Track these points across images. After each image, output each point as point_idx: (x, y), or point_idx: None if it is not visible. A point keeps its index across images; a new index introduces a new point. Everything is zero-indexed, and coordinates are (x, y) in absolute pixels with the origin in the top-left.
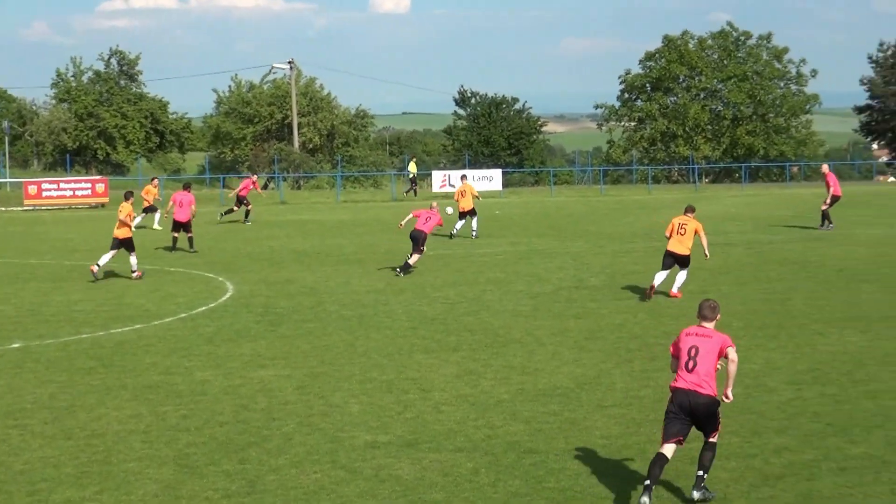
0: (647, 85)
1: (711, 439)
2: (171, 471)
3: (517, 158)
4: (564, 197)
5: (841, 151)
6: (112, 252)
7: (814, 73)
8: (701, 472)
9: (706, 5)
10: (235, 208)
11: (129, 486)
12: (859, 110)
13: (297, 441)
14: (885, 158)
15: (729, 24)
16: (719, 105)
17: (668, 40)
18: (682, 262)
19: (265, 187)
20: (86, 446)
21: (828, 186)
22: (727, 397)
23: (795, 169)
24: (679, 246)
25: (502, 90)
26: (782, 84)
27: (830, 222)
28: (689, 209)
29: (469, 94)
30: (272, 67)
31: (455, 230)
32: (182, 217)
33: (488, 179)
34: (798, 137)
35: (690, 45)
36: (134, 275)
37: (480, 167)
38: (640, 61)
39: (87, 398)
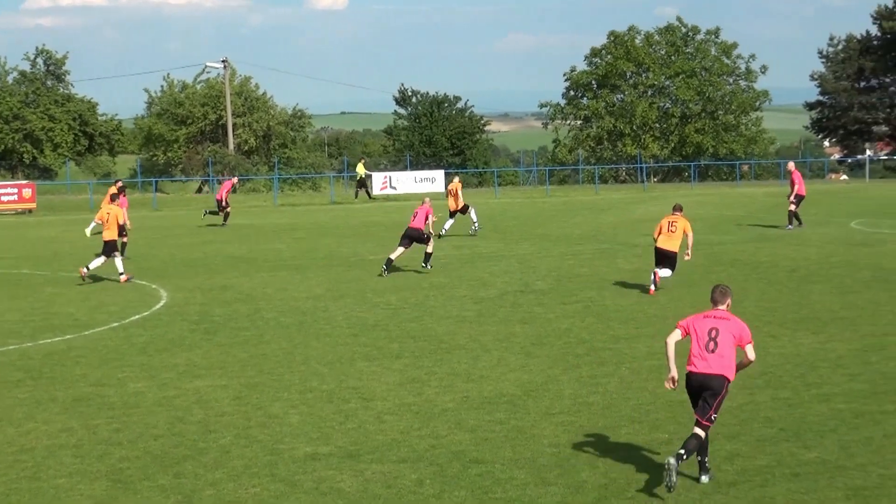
0: (593, 82)
1: (698, 430)
2: (104, 486)
3: (460, 159)
4: (509, 198)
5: (792, 149)
6: (119, 256)
7: (764, 68)
8: (702, 458)
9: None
10: (220, 212)
11: (60, 503)
12: (810, 107)
13: (235, 454)
14: (836, 156)
15: (677, 18)
16: (667, 102)
17: (614, 36)
18: (670, 259)
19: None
20: (14, 462)
21: (792, 184)
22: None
23: (746, 167)
24: (668, 243)
25: (444, 88)
26: (731, 80)
27: (801, 223)
28: (677, 207)
29: (410, 93)
30: (205, 66)
31: (444, 230)
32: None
33: (430, 181)
34: (748, 135)
35: (637, 41)
36: (83, 270)
37: (422, 168)
38: (586, 58)
39: (14, 412)
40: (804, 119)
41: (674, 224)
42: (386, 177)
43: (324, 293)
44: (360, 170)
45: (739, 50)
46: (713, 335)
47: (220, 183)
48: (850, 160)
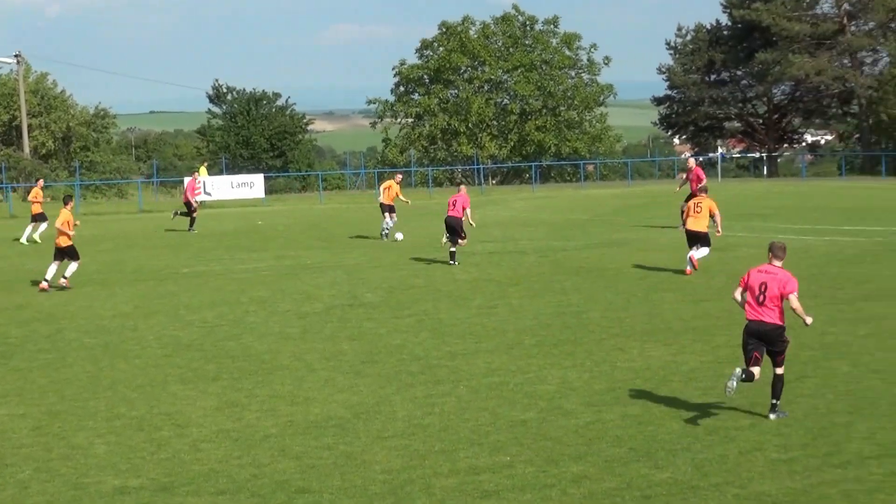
0: (425, 77)
1: (778, 370)
2: None
3: (281, 161)
4: (336, 204)
5: (640, 147)
6: (56, 263)
7: (607, 60)
8: (774, 401)
9: None
10: (190, 213)
11: None
12: (658, 102)
13: (35, 489)
14: (687, 154)
15: (514, 7)
16: (505, 98)
17: (446, 27)
18: (701, 239)
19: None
20: None
21: (695, 182)
22: (807, 324)
23: (591, 167)
24: (696, 224)
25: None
26: (574, 74)
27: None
28: (703, 189)
29: (225, 90)
30: None
31: (385, 231)
32: None
33: (249, 186)
34: (592, 133)
35: (472, 33)
36: (62, 281)
37: (240, 172)
38: (417, 51)
39: None
40: (652, 115)
41: (699, 205)
42: (199, 181)
43: (132, 311)
44: (203, 173)
45: (581, 41)
46: (762, 289)
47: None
48: (700, 158)
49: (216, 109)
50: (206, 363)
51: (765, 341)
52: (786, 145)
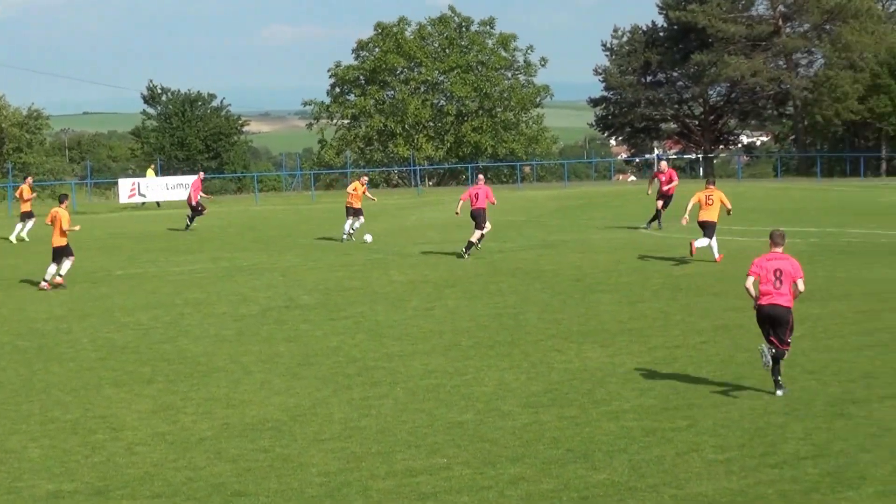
0: (361, 78)
1: (783, 348)
2: None
3: (216, 163)
4: (271, 205)
5: (576, 148)
6: (54, 265)
7: (543, 61)
8: (777, 377)
9: None
10: (199, 213)
11: None
12: (595, 103)
13: None
14: (623, 156)
15: (450, 8)
16: (442, 99)
17: (381, 28)
18: (709, 228)
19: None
20: None
21: (664, 183)
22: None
23: (527, 169)
24: (708, 215)
25: (198, 85)
26: (510, 75)
27: (657, 223)
28: (710, 182)
29: (160, 91)
30: None
31: (348, 232)
32: None
33: (184, 187)
34: (529, 134)
35: (408, 33)
36: (43, 284)
37: (175, 173)
38: (353, 51)
39: None
40: (588, 116)
41: (710, 197)
42: (134, 183)
43: (66, 313)
44: (150, 174)
45: (518, 42)
46: (778, 274)
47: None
48: (637, 159)
49: (151, 111)
50: (141, 366)
51: (776, 324)
52: (722, 146)
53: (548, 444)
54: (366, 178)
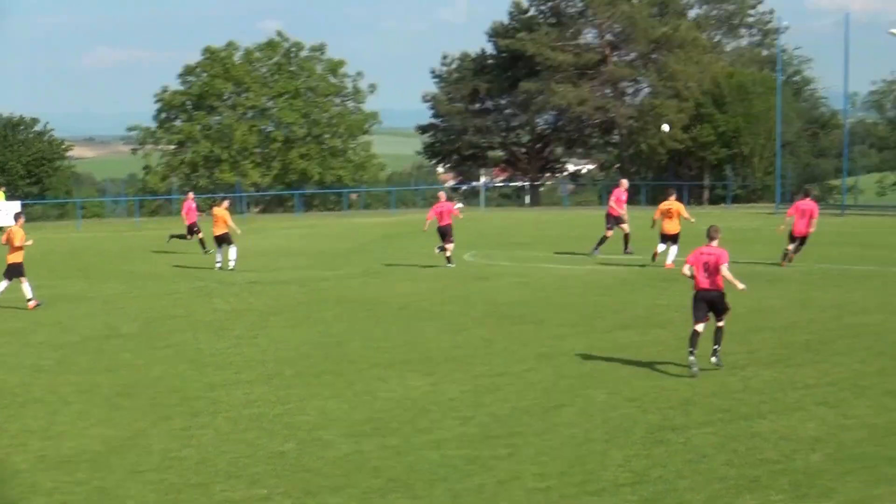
0: (188, 103)
1: (720, 323)
2: None
3: (38, 188)
4: (94, 232)
5: (404, 175)
6: (6, 282)
7: (372, 87)
8: (716, 346)
9: (254, 13)
10: (188, 237)
11: None
12: (423, 130)
13: None
14: (451, 183)
15: (279, 33)
16: (269, 125)
17: (210, 52)
18: (674, 239)
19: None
20: None
21: (620, 203)
22: (740, 290)
23: (354, 196)
24: (670, 226)
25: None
26: (339, 101)
27: (599, 244)
28: (671, 193)
29: None
30: None
31: (218, 263)
32: None
33: (3, 213)
34: (357, 161)
35: (236, 58)
36: (31, 304)
37: None
38: (180, 76)
39: None
40: (416, 143)
41: (671, 210)
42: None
43: None
44: (0, 197)
45: (347, 68)
46: (706, 266)
47: None
48: (464, 187)
49: None
50: None
51: (712, 305)
52: (548, 174)
53: (369, 473)
54: (226, 202)
